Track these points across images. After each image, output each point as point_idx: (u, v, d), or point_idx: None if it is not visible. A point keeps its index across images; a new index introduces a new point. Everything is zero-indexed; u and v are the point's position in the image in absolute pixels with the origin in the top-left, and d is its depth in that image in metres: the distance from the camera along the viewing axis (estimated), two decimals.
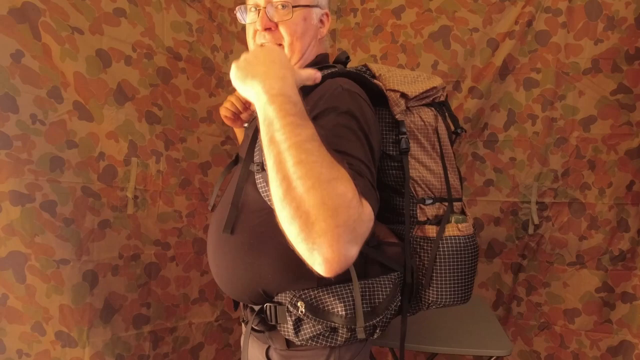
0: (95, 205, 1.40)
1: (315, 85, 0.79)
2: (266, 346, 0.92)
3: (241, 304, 1.05)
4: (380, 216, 0.96)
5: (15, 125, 1.24)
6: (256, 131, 0.84)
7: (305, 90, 0.78)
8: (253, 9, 0.91)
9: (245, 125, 1.08)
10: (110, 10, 1.41)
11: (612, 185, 1.62)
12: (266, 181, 0.79)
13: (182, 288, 1.66)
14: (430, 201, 0.95)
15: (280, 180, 0.58)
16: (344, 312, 0.80)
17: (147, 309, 1.56)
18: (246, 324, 0.97)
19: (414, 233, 0.95)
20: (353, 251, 0.57)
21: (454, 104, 1.77)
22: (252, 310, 0.92)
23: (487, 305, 1.65)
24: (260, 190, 0.83)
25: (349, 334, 0.83)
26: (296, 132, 0.59)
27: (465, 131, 1.15)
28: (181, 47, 1.60)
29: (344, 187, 0.57)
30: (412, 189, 0.94)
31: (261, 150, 0.77)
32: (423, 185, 0.95)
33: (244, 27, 1.78)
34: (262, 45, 0.91)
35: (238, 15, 0.94)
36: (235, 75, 0.69)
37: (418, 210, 0.95)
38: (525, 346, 1.80)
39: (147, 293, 1.56)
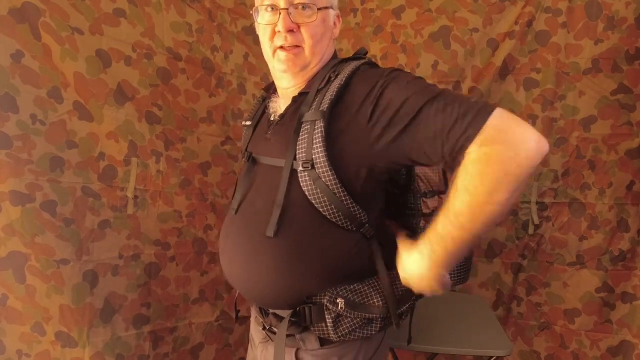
0: (95, 205, 1.41)
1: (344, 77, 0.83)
2: (294, 350, 0.90)
3: (253, 311, 1.05)
4: (389, 212, 0.98)
5: (15, 125, 1.24)
6: (298, 127, 0.83)
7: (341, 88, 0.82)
8: (269, 9, 0.88)
9: (248, 122, 1.05)
10: (110, 10, 1.41)
11: (612, 185, 1.62)
12: (313, 179, 0.80)
13: (182, 288, 1.66)
14: (431, 194, 1.03)
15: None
16: (380, 302, 0.86)
17: (147, 309, 1.56)
18: (267, 330, 0.97)
19: (420, 224, 1.00)
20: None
21: None
22: (276, 316, 0.91)
23: (487, 305, 1.65)
24: (306, 189, 0.81)
25: (382, 323, 0.89)
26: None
27: None
28: (181, 47, 1.60)
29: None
30: (417, 184, 1.00)
31: (309, 147, 0.80)
32: (425, 180, 1.02)
33: (243, 28, 1.80)
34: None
35: (254, 15, 0.92)
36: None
37: (422, 204, 1.01)
38: (525, 346, 1.80)
39: (147, 293, 1.56)
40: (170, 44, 1.57)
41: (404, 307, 0.89)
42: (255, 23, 0.93)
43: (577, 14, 1.59)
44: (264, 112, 1.04)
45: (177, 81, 1.60)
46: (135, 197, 1.50)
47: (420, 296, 1.02)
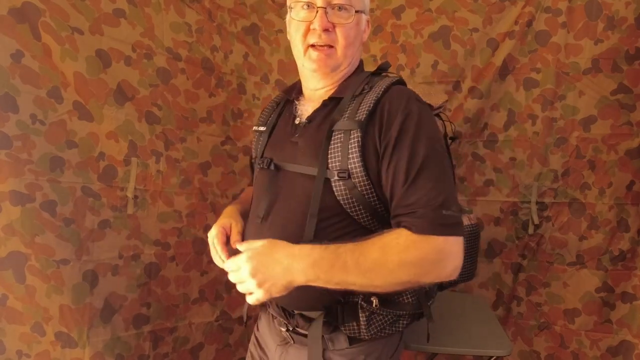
0: (95, 205, 1.41)
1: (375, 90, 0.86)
2: (321, 350, 0.90)
3: (266, 314, 1.06)
4: None
5: (15, 125, 1.24)
6: (330, 134, 0.84)
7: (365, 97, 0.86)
8: (305, 7, 0.88)
9: (262, 128, 1.03)
10: (110, 10, 1.41)
11: (612, 185, 1.62)
12: (349, 188, 0.82)
13: (182, 288, 1.66)
14: None
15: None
16: (410, 300, 0.89)
17: (147, 309, 1.56)
18: (292, 331, 0.96)
19: None
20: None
21: (454, 104, 1.77)
22: (304, 317, 0.91)
23: (487, 305, 1.65)
24: (340, 197, 0.83)
25: (409, 319, 0.92)
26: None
27: (457, 139, 1.24)
28: (181, 48, 1.60)
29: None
30: None
31: (344, 156, 0.81)
32: None
33: (243, 28, 1.80)
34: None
35: (289, 11, 0.93)
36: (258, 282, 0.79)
37: None
38: (525, 346, 1.80)
39: (147, 293, 1.56)
40: (170, 44, 1.57)
41: (431, 302, 0.96)
42: (288, 18, 0.94)
43: (577, 14, 1.59)
44: (279, 115, 1.02)
45: (177, 81, 1.60)
46: (135, 197, 1.50)
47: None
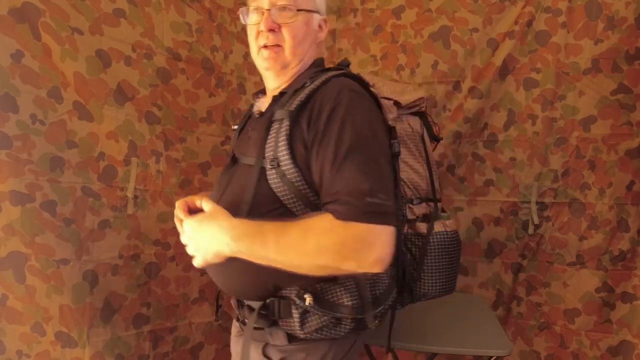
0: (95, 205, 1.41)
1: (320, 83, 0.87)
2: (262, 344, 0.91)
3: (233, 304, 1.05)
4: None
5: (15, 125, 1.24)
6: (269, 127, 0.87)
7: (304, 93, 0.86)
8: (255, 11, 0.94)
9: (236, 127, 1.09)
10: (110, 10, 1.41)
11: (612, 185, 1.62)
12: (280, 177, 0.83)
13: (182, 288, 1.66)
14: (418, 201, 1.04)
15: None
16: (350, 303, 0.84)
17: (147, 309, 1.56)
18: (241, 322, 0.98)
19: (404, 230, 1.01)
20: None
21: (454, 104, 1.77)
22: (250, 308, 0.92)
23: (487, 305, 1.65)
24: (274, 185, 0.84)
25: (353, 324, 0.87)
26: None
27: (442, 139, 1.23)
28: (181, 48, 1.60)
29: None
30: (402, 190, 1.00)
31: (275, 145, 0.84)
32: (411, 187, 1.03)
33: (244, 28, 1.79)
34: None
35: (240, 16, 0.98)
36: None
37: (407, 210, 1.02)
38: (525, 346, 1.80)
39: (147, 293, 1.56)
40: (170, 44, 1.57)
41: (380, 309, 0.88)
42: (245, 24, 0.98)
43: (577, 14, 1.59)
44: (250, 115, 1.07)
45: (177, 81, 1.60)
46: (135, 197, 1.50)
47: (404, 303, 1.04)
